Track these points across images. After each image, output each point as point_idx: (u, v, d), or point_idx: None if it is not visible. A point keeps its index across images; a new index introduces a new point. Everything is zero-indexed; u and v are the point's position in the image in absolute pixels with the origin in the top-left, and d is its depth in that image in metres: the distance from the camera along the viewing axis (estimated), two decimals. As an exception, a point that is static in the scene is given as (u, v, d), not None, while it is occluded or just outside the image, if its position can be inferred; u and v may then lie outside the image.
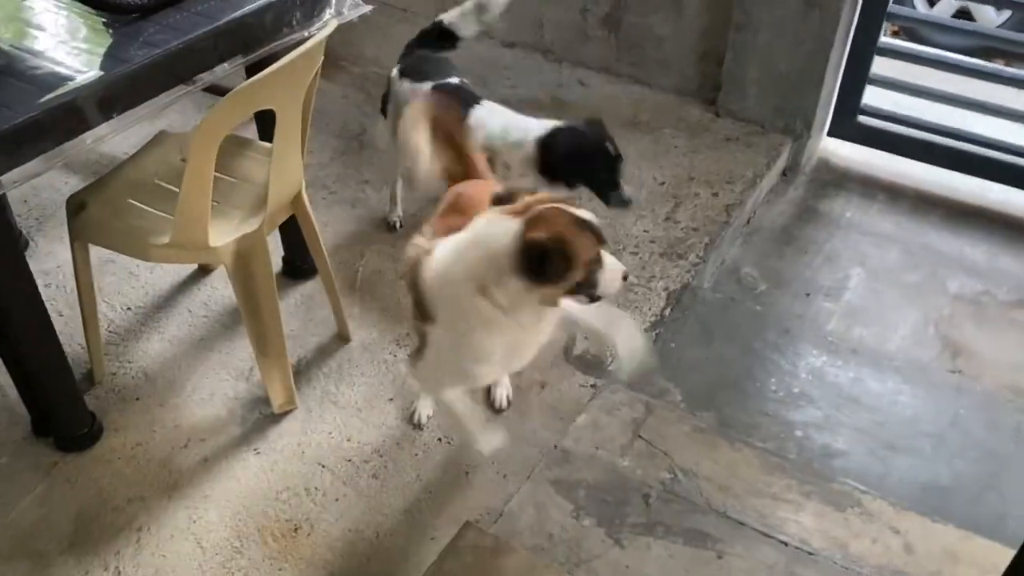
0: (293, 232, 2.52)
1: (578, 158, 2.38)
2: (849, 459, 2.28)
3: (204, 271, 2.79)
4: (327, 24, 2.04)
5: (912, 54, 3.42)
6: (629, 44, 3.80)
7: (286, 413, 2.37)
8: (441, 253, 1.69)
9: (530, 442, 2.32)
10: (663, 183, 3.32)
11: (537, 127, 2.46)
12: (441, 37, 2.75)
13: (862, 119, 3.50)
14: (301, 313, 2.68)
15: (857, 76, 3.40)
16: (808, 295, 3.01)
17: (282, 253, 2.76)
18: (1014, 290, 3.07)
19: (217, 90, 2.23)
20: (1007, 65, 4.34)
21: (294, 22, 2.11)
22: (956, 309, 2.99)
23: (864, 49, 3.33)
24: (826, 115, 3.53)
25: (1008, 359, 2.75)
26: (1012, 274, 3.14)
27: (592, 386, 2.49)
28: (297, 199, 2.29)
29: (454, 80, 2.60)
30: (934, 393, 2.50)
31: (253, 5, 2.05)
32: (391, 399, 2.43)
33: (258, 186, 2.22)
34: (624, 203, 2.43)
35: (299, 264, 2.71)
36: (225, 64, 2.05)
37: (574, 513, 1.99)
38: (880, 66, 3.39)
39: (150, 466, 2.25)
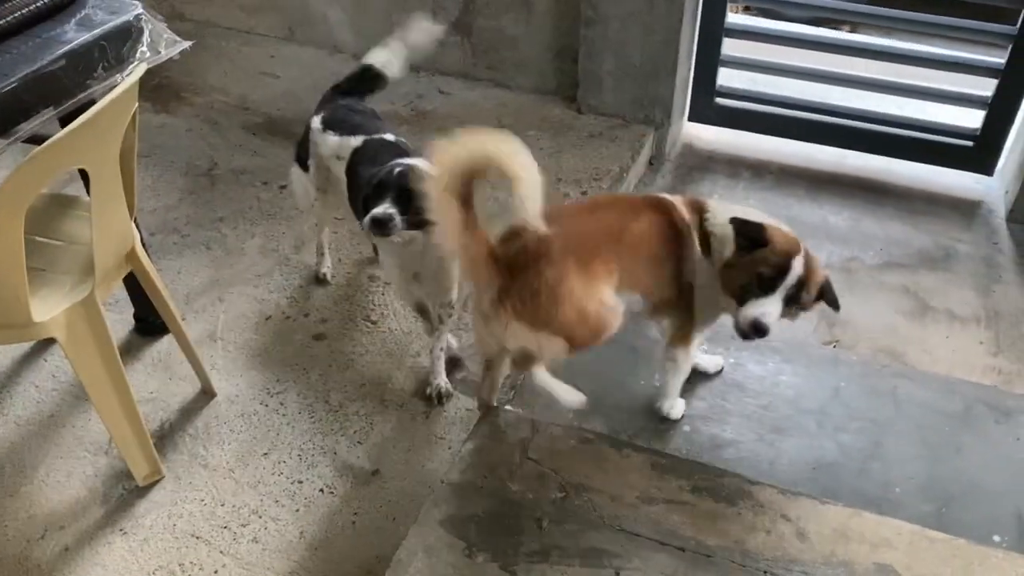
0: (139, 287, 2.34)
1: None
2: (738, 448, 2.27)
3: (47, 340, 2.57)
4: (136, 68, 1.88)
5: (759, 32, 3.46)
6: (484, 47, 3.74)
7: (152, 485, 2.21)
8: None
9: (417, 478, 2.23)
10: (531, 186, 3.27)
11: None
12: (369, 80, 2.57)
13: (719, 101, 3.54)
14: (159, 372, 2.51)
15: (709, 59, 3.43)
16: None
17: (133, 310, 2.58)
18: (879, 253, 3.15)
19: (39, 140, 2.04)
20: (852, 31, 4.48)
21: (102, 68, 1.94)
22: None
23: (713, 32, 3.36)
24: (684, 101, 3.55)
25: (880, 323, 2.81)
26: (876, 237, 3.22)
27: (479, 408, 2.41)
28: (132, 255, 2.12)
29: (388, 136, 2.38)
30: (814, 369, 2.53)
31: (50, 55, 1.87)
32: (265, 454, 2.29)
33: (87, 247, 2.04)
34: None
35: (152, 320, 2.53)
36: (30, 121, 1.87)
37: (466, 551, 1.90)
38: (731, 47, 3.43)
39: (3, 565, 2.05)
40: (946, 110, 3.43)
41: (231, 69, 3.95)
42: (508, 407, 2.35)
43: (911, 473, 2.22)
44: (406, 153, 2.29)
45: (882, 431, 2.33)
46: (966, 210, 3.35)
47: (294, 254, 2.94)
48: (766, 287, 1.91)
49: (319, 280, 2.80)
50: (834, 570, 1.87)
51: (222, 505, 2.17)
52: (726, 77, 3.51)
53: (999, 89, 3.15)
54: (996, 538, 2.07)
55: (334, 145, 2.38)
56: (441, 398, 2.43)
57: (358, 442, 2.32)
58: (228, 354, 2.57)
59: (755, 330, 1.92)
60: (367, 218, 2.10)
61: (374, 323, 2.69)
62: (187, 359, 2.38)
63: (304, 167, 2.56)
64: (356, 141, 2.34)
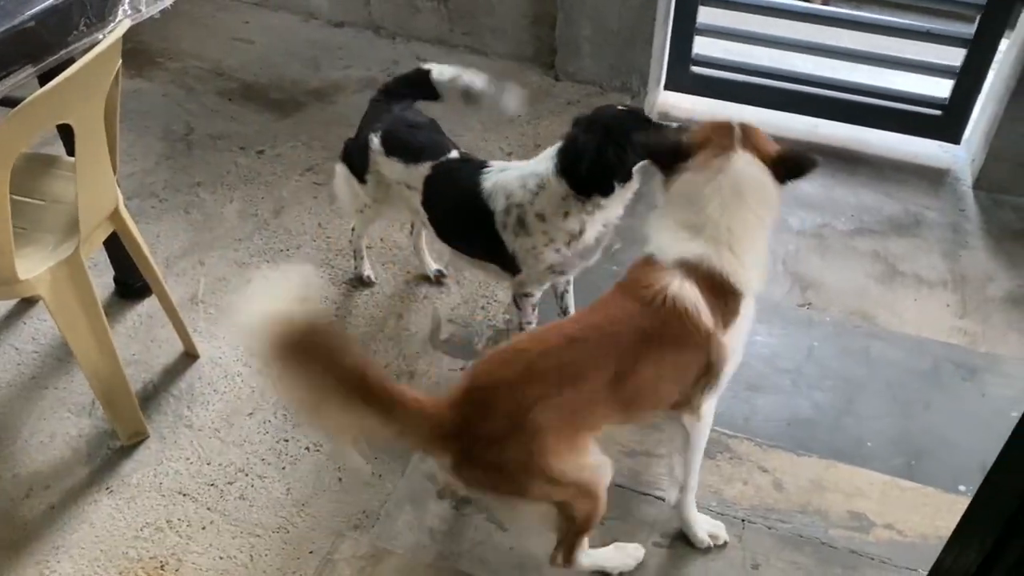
0: (120, 250, 2.34)
1: (598, 152, 1.95)
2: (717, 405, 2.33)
3: (28, 302, 2.56)
4: (120, 24, 1.87)
5: (734, 0, 3.49)
6: (461, 13, 3.73)
7: (137, 444, 2.21)
8: None
9: (402, 436, 2.26)
10: (510, 153, 3.29)
11: (539, 160, 2.11)
12: (421, 87, 2.31)
13: (695, 69, 3.57)
14: (142, 334, 2.50)
15: (685, 27, 3.46)
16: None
17: (113, 273, 2.57)
18: (850, 219, 3.22)
19: (13, 103, 2.02)
20: (825, 4, 4.53)
21: (83, 25, 1.92)
22: (801, 244, 3.11)
23: (689, 0, 3.38)
24: (661, 69, 3.58)
25: (851, 286, 2.88)
26: (847, 204, 3.29)
27: (462, 369, 2.44)
28: (116, 215, 2.11)
29: (454, 154, 2.20)
30: (788, 329, 2.59)
31: (32, 10, 1.85)
32: (250, 414, 2.31)
33: (70, 206, 2.03)
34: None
35: (132, 283, 2.52)
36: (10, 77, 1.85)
37: (453, 503, 1.94)
38: (707, 16, 3.46)
39: (-11, 525, 2.06)
40: (916, 80, 3.49)
41: (205, 35, 3.91)
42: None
43: (882, 428, 2.29)
44: (481, 167, 2.15)
45: (855, 389, 2.40)
46: (934, 178, 3.42)
47: (273, 218, 2.94)
48: None
49: (363, 283, 2.68)
50: (810, 518, 1.94)
51: (208, 464, 2.18)
52: (702, 46, 3.54)
53: (967, 59, 3.22)
54: (962, 487, 2.15)
55: (401, 173, 2.22)
56: None
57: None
58: (210, 316, 2.57)
59: None
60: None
61: (355, 286, 2.70)
62: (170, 321, 2.38)
63: (359, 176, 2.35)
64: (425, 169, 2.17)
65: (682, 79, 3.60)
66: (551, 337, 1.58)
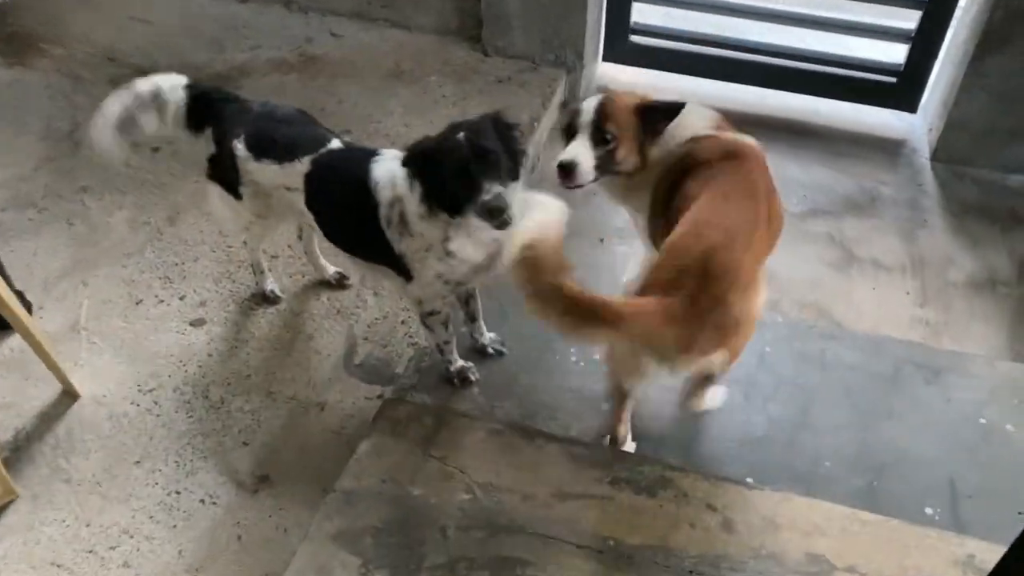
0: (-24, 280, 2.03)
1: (432, 170, 1.78)
2: (661, 425, 2.11)
3: None
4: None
5: (673, -37, 3.22)
6: (378, -16, 3.41)
7: (5, 507, 1.94)
8: None
9: (312, 481, 2.01)
10: (434, 140, 3.00)
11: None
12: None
13: (634, 39, 3.30)
14: (14, 374, 2.21)
15: (621, -6, 3.18)
16: (602, 241, 2.81)
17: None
18: (804, 199, 3.00)
19: None
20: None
21: None
22: (750, 231, 2.89)
23: (624, -36, 3.10)
24: (598, 40, 3.30)
25: (806, 275, 2.67)
26: (800, 182, 3.07)
27: (380, 396, 2.19)
28: (-45, 249, 1.80)
29: (335, 144, 1.97)
30: (738, 333, 2.37)
31: None
32: (137, 462, 2.04)
33: None
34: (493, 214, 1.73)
35: (-2, 315, 2.22)
36: None
37: (363, 569, 1.70)
38: (644, -20, 3.19)
39: None
40: (869, 45, 3.26)
41: (96, 15, 3.52)
42: (411, 396, 2.14)
43: (841, 444, 2.09)
44: (370, 155, 1.92)
45: (810, 398, 2.19)
46: (890, 150, 3.22)
47: (168, 227, 2.63)
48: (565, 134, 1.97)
49: (268, 299, 2.40)
50: (763, 563, 1.73)
51: (87, 526, 1.92)
52: (641, 13, 3.27)
53: (923, 21, 2.99)
54: (928, 510, 1.96)
55: (277, 175, 1.97)
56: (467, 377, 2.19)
57: (243, 443, 2.08)
58: (94, 347, 2.28)
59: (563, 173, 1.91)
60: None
61: (259, 304, 2.42)
62: (41, 359, 2.09)
63: (235, 194, 2.08)
64: (304, 165, 1.93)
65: (621, 50, 3.33)
66: (714, 203, 1.75)
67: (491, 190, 1.71)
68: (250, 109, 2.04)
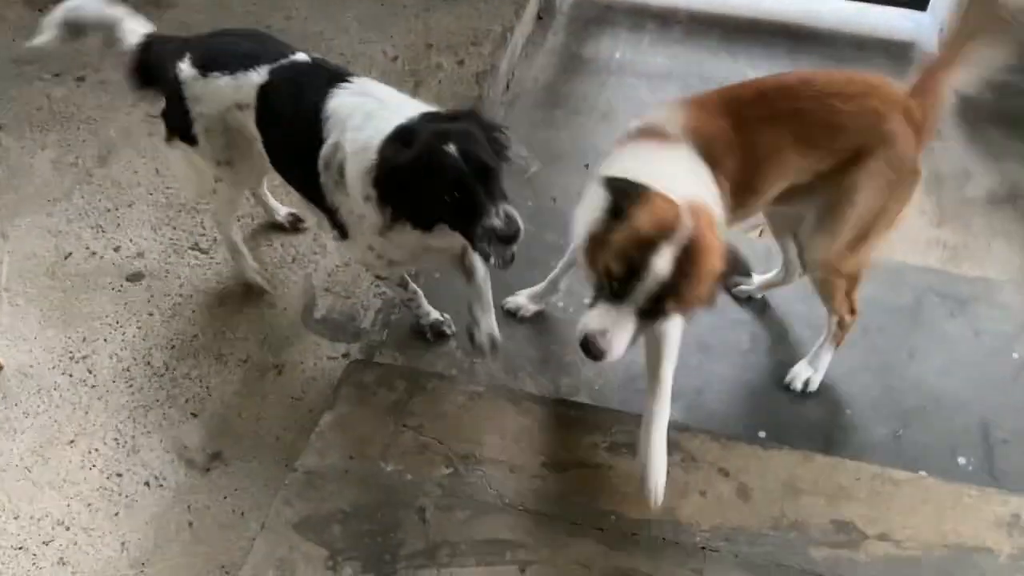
0: None
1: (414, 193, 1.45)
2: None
3: None
4: None
5: None
6: None
7: (-80, 501, 1.70)
8: None
9: (270, 456, 1.77)
10: (396, 58, 2.68)
11: (400, 109, 1.53)
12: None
13: (615, -64, 2.95)
14: (-76, 344, 1.94)
15: None
16: (587, 167, 2.54)
17: None
18: (806, 112, 2.74)
19: None
20: None
21: None
22: (750, 149, 2.63)
23: None
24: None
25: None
26: (801, 92, 2.80)
27: (345, 356, 1.95)
28: None
29: (300, 56, 1.68)
30: (742, 266, 2.13)
31: None
32: (72, 441, 1.80)
33: None
34: (502, 249, 1.44)
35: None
36: None
37: (330, 562, 1.49)
38: None
39: None
40: (876, -66, 2.95)
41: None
42: (379, 355, 1.90)
43: (862, 389, 1.89)
44: (336, 80, 1.60)
45: (824, 338, 1.97)
46: (898, 53, 2.94)
47: (98, 167, 2.32)
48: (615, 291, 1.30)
49: (252, 288, 2.06)
50: (784, 535, 1.53)
51: (15, 518, 1.69)
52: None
53: (938, -94, 2.67)
54: (961, 459, 1.77)
55: (227, 91, 1.66)
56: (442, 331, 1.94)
57: (192, 414, 1.84)
58: (17, 310, 2.01)
59: (586, 350, 1.31)
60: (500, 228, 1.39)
61: (204, 251, 2.15)
62: (-51, 331, 1.82)
63: (189, 139, 1.77)
64: (259, 76, 1.64)
65: (600, -51, 2.99)
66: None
67: (500, 212, 1.39)
68: (201, 38, 1.75)
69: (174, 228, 2.19)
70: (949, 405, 1.86)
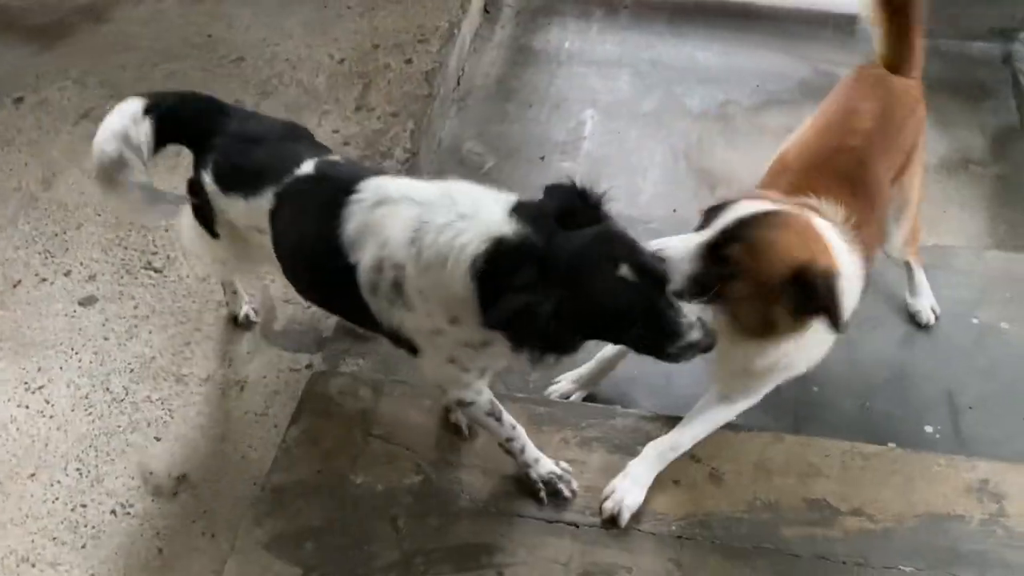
0: None
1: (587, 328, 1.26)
2: (627, 370, 1.88)
3: None
4: None
5: None
6: None
7: None
8: None
9: (237, 474, 1.75)
10: (343, 60, 2.64)
11: (467, 212, 1.28)
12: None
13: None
14: None
15: None
16: (543, 158, 2.54)
17: None
18: (756, 91, 2.75)
19: None
20: None
21: None
22: (702, 130, 2.64)
23: None
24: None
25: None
26: (750, 72, 2.81)
27: (308, 367, 1.92)
28: None
29: (306, 169, 1.46)
30: (702, 249, 2.13)
31: None
32: (32, 475, 1.76)
33: None
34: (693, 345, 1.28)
35: None
36: None
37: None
38: None
39: None
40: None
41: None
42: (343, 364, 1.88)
43: (826, 363, 1.88)
44: (347, 189, 1.38)
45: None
46: (843, 26, 2.95)
47: (43, 190, 2.27)
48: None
49: (240, 324, 1.97)
50: (758, 516, 1.54)
51: (-22, 559, 1.64)
52: None
53: None
54: (928, 428, 1.79)
55: (245, 213, 1.52)
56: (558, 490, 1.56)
57: (155, 439, 1.81)
58: (-35, 337, 1.96)
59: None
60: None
61: (158, 271, 2.10)
62: None
63: (210, 230, 1.65)
64: (267, 200, 1.46)
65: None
66: None
67: (695, 324, 1.26)
68: (228, 117, 1.57)
69: (125, 248, 2.14)
70: (913, 375, 1.88)
